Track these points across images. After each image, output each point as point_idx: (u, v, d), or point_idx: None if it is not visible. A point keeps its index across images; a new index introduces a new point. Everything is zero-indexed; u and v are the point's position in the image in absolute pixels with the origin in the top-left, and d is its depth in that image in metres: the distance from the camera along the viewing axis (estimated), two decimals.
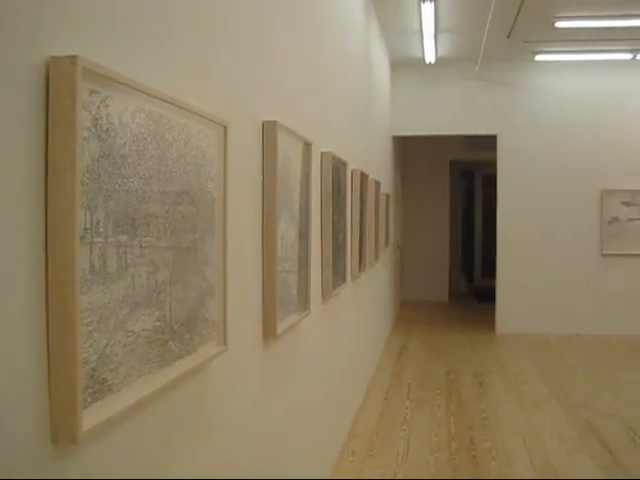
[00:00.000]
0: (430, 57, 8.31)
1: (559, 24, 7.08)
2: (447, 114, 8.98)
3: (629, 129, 8.79)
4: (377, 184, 6.44)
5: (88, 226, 1.19)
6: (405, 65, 8.92)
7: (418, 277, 11.92)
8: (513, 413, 5.34)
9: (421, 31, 7.24)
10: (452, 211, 13.05)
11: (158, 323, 1.50)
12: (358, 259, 5.01)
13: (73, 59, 1.12)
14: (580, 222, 8.86)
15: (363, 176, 5.24)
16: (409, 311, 10.72)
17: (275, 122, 2.45)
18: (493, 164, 9.10)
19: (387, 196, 7.79)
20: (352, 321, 5.18)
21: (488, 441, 4.64)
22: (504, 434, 4.81)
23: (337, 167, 3.97)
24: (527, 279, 8.88)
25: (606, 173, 8.81)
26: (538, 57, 8.51)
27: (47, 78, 1.13)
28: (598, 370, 6.89)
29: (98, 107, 1.23)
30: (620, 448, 4.51)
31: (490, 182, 8.97)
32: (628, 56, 8.41)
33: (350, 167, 4.62)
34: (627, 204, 8.78)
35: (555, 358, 7.43)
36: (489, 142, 9.05)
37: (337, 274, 4.04)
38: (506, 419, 5.18)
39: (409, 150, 11.64)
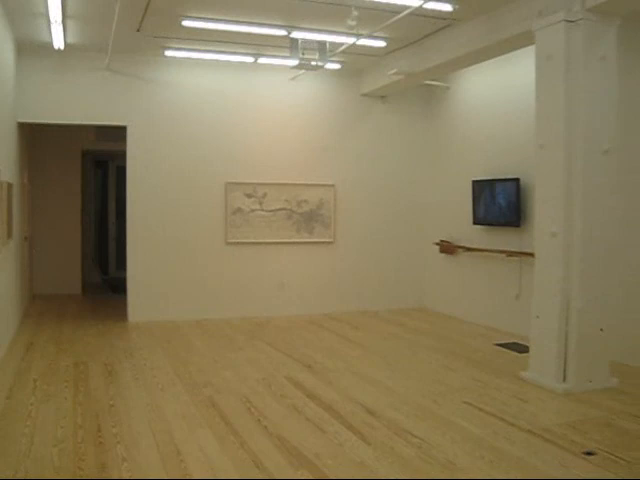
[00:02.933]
0: (59, 43, 8.04)
1: (186, 23, 7.40)
2: (78, 103, 8.80)
3: (252, 127, 9.53)
4: None
5: None
6: (34, 49, 8.47)
7: (50, 270, 11.50)
8: (140, 398, 5.49)
9: (48, 15, 6.98)
10: (86, 201, 12.80)
11: None
12: None
13: None
14: (207, 213, 9.38)
15: None
16: (40, 306, 10.30)
17: None
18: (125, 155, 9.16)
19: (9, 185, 7.39)
20: None
21: (115, 427, 4.72)
22: (131, 418, 4.93)
23: None
24: (158, 268, 9.14)
25: (230, 167, 9.45)
26: (168, 53, 8.75)
27: None
28: (220, 351, 7.39)
29: None
30: (237, 419, 4.94)
31: (124, 173, 9.02)
32: (250, 59, 9.07)
33: None
34: (249, 196, 9.52)
35: (183, 343, 7.77)
36: (122, 133, 9.07)
37: None
38: (133, 404, 5.32)
39: (40, 138, 11.16)
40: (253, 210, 9.57)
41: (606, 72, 5.81)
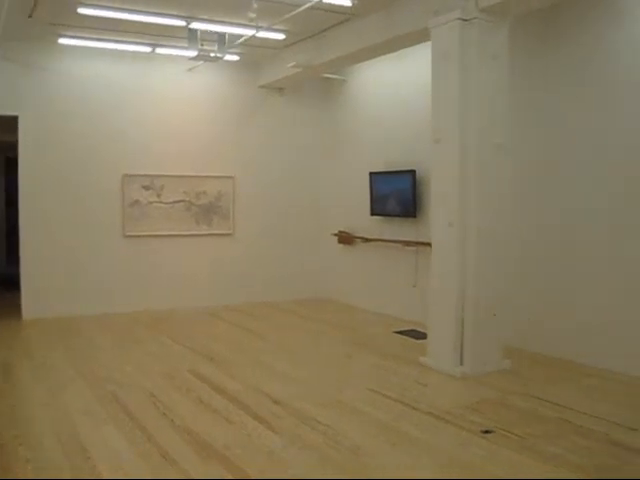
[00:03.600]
0: None
1: (81, 10, 7.18)
2: None
3: (150, 118, 9.38)
4: None
5: None
6: None
7: None
8: (41, 397, 5.33)
9: None
10: None
11: None
12: None
13: None
14: (104, 205, 9.16)
15: None
16: None
17: None
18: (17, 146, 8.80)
19: None
20: None
21: (16, 428, 4.58)
22: (32, 419, 4.79)
23: None
24: (54, 263, 8.85)
25: (127, 158, 9.26)
26: (62, 40, 8.44)
27: None
28: (122, 345, 7.28)
29: None
30: (143, 414, 4.89)
31: (15, 165, 8.66)
32: (148, 49, 8.92)
33: None
34: (146, 188, 9.38)
35: (83, 339, 7.59)
36: (13, 123, 8.70)
37: None
38: (34, 404, 5.16)
39: None
40: (151, 202, 9.43)
41: (498, 70, 6.08)
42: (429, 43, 6.40)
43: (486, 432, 4.52)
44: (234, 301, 9.99)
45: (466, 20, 5.96)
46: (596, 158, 6.36)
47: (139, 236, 9.36)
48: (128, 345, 7.29)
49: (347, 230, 10.11)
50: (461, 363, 6.07)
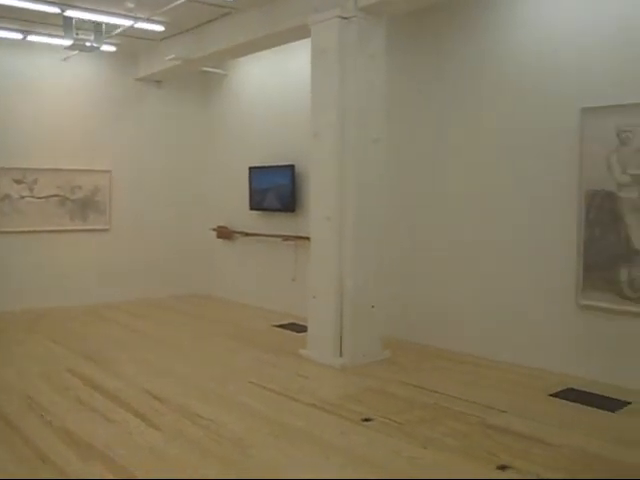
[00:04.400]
0: None
1: None
2: None
3: (21, 108, 8.97)
4: None
5: None
6: None
7: None
8: None
9: None
10: None
11: None
12: None
13: None
14: None
15: None
16: None
17: None
18: None
19: None
20: None
21: None
22: None
23: None
24: None
25: None
26: None
27: None
28: None
29: None
30: (18, 417, 4.72)
31: None
32: (19, 36, 8.52)
33: None
34: (18, 182, 8.98)
35: None
36: None
37: None
38: None
39: None
40: (23, 197, 9.04)
41: (375, 67, 6.26)
42: (310, 39, 6.49)
43: (366, 420, 4.67)
44: (113, 298, 9.74)
45: (345, 18, 6.09)
46: (466, 152, 6.68)
47: (11, 232, 8.94)
48: (4, 346, 6.98)
49: (226, 225, 10.09)
50: (341, 355, 6.22)
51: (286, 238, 8.75)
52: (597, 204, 5.58)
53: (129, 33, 8.05)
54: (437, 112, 6.93)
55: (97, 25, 7.63)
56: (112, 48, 9.07)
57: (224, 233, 10.10)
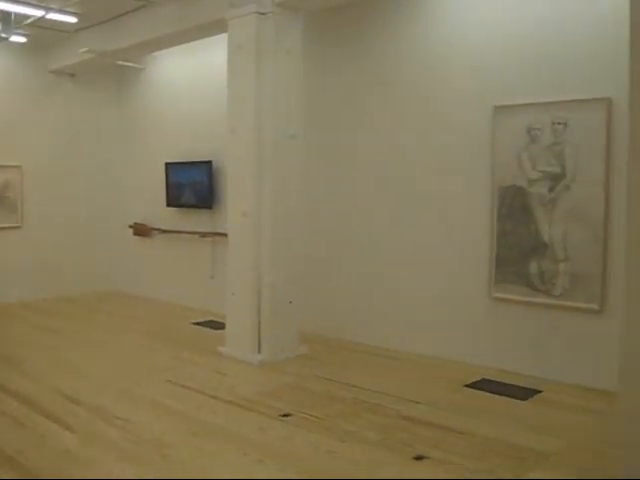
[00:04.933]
0: None
1: None
2: None
3: None
4: None
5: None
6: None
7: None
8: None
9: None
10: None
11: None
12: None
13: None
14: None
15: None
16: None
17: None
18: None
19: None
20: None
21: None
22: None
23: None
24: None
25: None
26: None
27: None
28: None
29: None
30: None
31: None
32: None
33: None
34: None
35: None
36: None
37: None
38: None
39: None
40: None
41: (293, 63, 6.27)
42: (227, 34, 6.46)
43: (285, 415, 4.69)
44: (25, 297, 9.42)
45: (262, 14, 6.08)
46: (385, 149, 6.78)
47: None
48: None
49: (143, 222, 9.92)
50: (259, 351, 6.22)
51: (204, 235, 8.68)
52: (509, 199, 5.77)
53: (41, 24, 7.80)
54: (357, 107, 6.99)
55: (6, 14, 7.35)
56: (22, 39, 8.76)
57: (141, 230, 9.93)
